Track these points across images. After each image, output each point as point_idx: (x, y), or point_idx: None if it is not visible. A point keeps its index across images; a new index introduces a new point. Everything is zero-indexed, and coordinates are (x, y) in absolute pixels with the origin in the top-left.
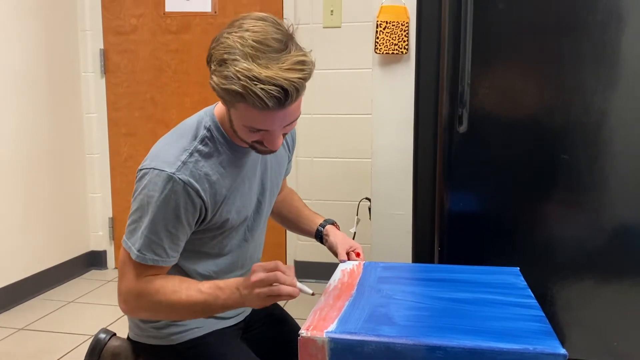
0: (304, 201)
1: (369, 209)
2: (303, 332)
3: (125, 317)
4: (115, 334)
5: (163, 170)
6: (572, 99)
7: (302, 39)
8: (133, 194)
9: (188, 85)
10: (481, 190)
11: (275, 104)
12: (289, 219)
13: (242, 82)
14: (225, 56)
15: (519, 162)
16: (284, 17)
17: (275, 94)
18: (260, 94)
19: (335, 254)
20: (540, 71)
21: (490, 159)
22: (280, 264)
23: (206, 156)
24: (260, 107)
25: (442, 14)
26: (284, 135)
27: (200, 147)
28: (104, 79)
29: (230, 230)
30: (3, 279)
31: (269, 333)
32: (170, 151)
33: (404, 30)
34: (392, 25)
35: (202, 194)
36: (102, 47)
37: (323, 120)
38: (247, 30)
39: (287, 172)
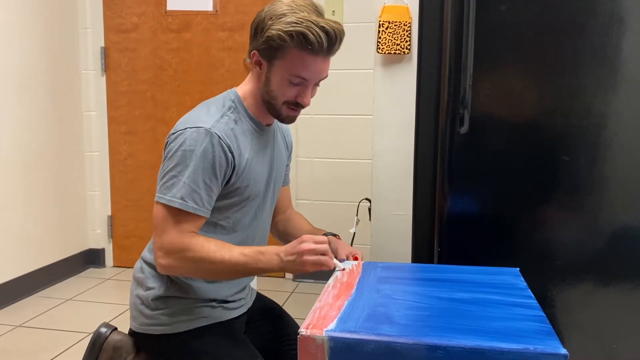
0: (304, 201)
1: (369, 209)
2: (302, 330)
3: (125, 314)
4: (116, 329)
5: (200, 127)
6: (573, 101)
7: None
8: (166, 155)
9: (188, 84)
10: (481, 192)
11: (328, 45)
12: (292, 234)
13: (305, 24)
14: (285, 11)
15: (520, 163)
16: None
17: (330, 32)
18: (320, 33)
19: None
20: (541, 73)
21: (491, 160)
22: (326, 239)
23: (233, 121)
24: (316, 46)
25: (444, 14)
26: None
27: (229, 113)
28: (104, 77)
29: (246, 202)
30: (1, 276)
31: (268, 327)
32: (202, 114)
33: (407, 31)
34: (395, 25)
35: (233, 150)
36: (102, 45)
37: (324, 121)
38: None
39: (286, 179)
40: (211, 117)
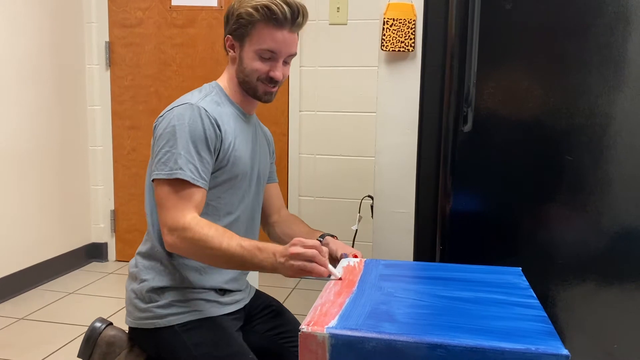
0: (307, 198)
1: (371, 206)
2: (304, 327)
3: (124, 309)
4: (111, 323)
5: (185, 104)
6: (577, 101)
7: (308, 35)
8: (156, 136)
9: (192, 79)
10: (484, 190)
11: (291, 17)
12: (290, 235)
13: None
14: None
15: (523, 162)
16: None
17: (292, 5)
18: (283, 4)
19: (336, 260)
20: (545, 72)
21: (494, 159)
22: (318, 244)
23: (216, 103)
24: (280, 17)
25: (449, 12)
26: (283, 77)
27: (212, 95)
28: (108, 72)
29: (234, 181)
30: (4, 269)
31: (267, 324)
32: (186, 98)
33: (411, 28)
34: (399, 22)
35: (219, 124)
36: (107, 40)
37: (327, 118)
38: None
39: (272, 176)
40: (195, 97)
